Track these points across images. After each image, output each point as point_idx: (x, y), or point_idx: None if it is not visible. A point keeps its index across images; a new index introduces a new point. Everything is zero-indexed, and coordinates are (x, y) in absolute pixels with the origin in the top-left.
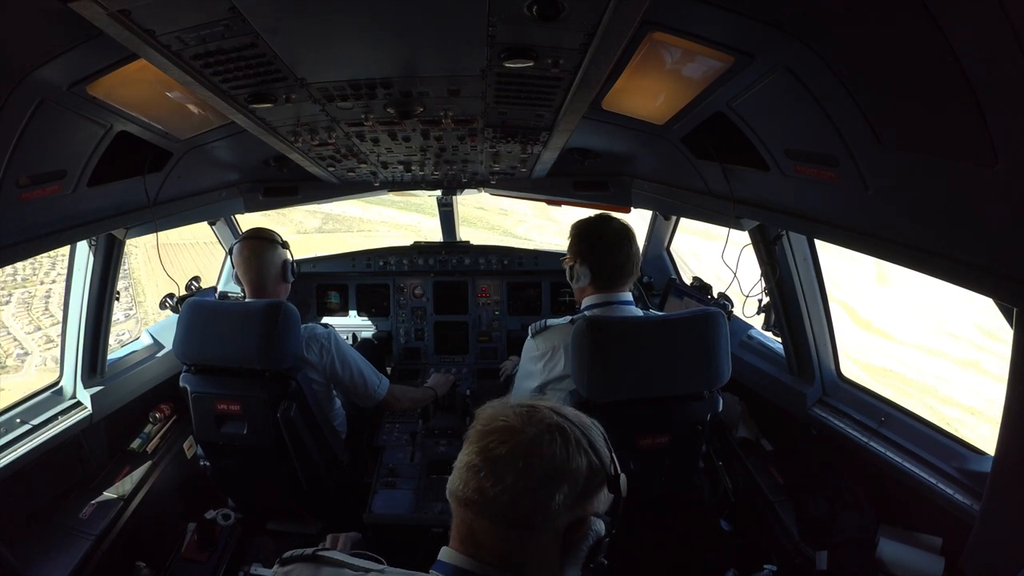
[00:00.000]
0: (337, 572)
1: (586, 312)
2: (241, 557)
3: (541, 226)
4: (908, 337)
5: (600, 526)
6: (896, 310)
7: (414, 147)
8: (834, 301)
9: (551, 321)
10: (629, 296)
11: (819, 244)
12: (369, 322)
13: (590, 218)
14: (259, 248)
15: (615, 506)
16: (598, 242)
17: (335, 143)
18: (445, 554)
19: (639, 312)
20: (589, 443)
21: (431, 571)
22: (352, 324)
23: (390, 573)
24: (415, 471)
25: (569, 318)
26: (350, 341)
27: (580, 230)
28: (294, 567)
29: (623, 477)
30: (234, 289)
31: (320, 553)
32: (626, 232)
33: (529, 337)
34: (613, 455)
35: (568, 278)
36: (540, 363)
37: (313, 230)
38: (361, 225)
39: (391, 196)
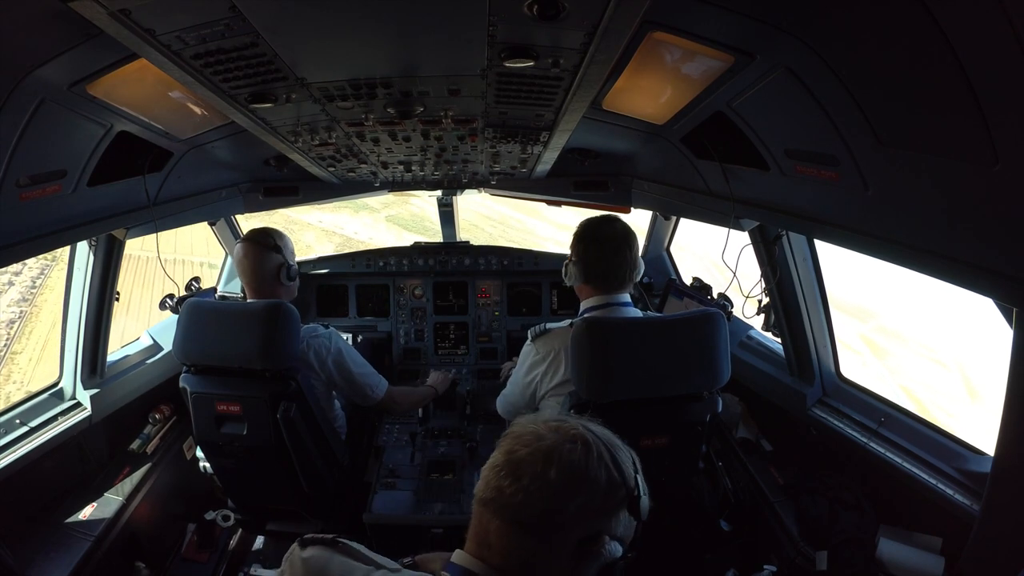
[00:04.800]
0: (347, 564)
1: (585, 314)
2: (241, 557)
3: None
4: None
5: (615, 548)
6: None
7: (414, 147)
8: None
9: (550, 324)
10: (627, 298)
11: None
12: (369, 322)
13: (594, 219)
14: (251, 251)
15: (634, 530)
16: (593, 244)
17: (335, 143)
18: (457, 556)
19: (639, 313)
20: (612, 458)
21: (442, 573)
22: (352, 324)
23: (403, 574)
24: (415, 471)
25: (568, 321)
26: (350, 341)
27: (582, 230)
28: (313, 551)
29: (644, 500)
30: (234, 290)
31: (340, 539)
32: (625, 236)
33: (528, 341)
34: (639, 479)
35: (563, 275)
36: (540, 368)
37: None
38: None
39: (433, 224)
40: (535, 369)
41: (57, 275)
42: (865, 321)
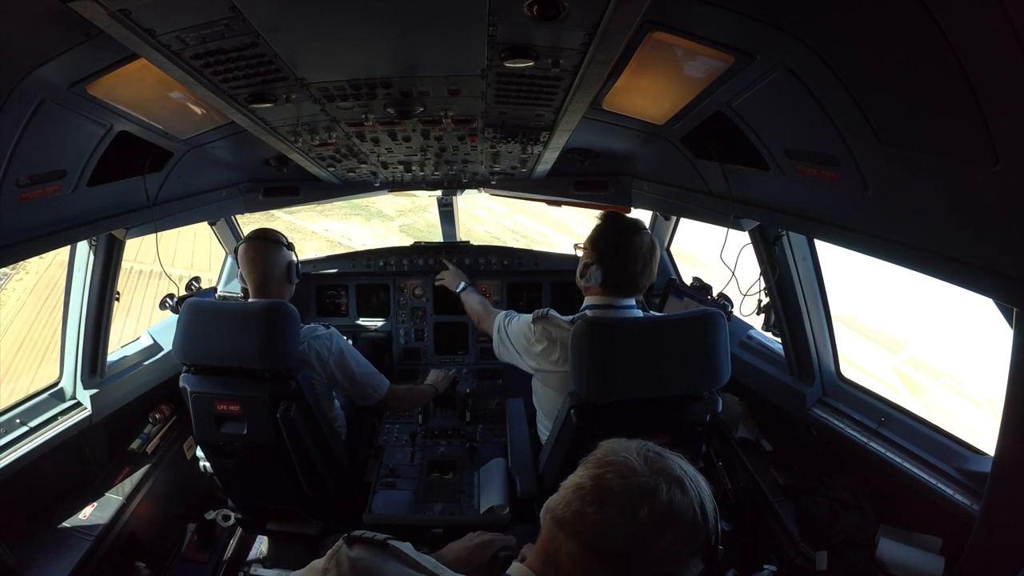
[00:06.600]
0: (399, 571)
1: (587, 312)
2: (241, 557)
3: None
4: None
5: None
6: None
7: (414, 147)
8: None
9: (555, 314)
10: (632, 301)
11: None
12: (369, 322)
13: (620, 223)
14: (264, 249)
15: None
16: (621, 253)
17: (335, 143)
18: (516, 569)
19: (640, 313)
20: (701, 505)
21: None
22: (352, 324)
23: None
24: (415, 471)
25: (571, 318)
26: (350, 341)
27: (609, 233)
28: (360, 552)
29: (720, 551)
30: (234, 290)
31: (390, 542)
32: (652, 250)
33: (530, 320)
34: (719, 527)
35: (578, 273)
36: (538, 347)
37: None
38: None
39: None
40: (524, 341)
41: (13, 286)
42: (896, 352)
